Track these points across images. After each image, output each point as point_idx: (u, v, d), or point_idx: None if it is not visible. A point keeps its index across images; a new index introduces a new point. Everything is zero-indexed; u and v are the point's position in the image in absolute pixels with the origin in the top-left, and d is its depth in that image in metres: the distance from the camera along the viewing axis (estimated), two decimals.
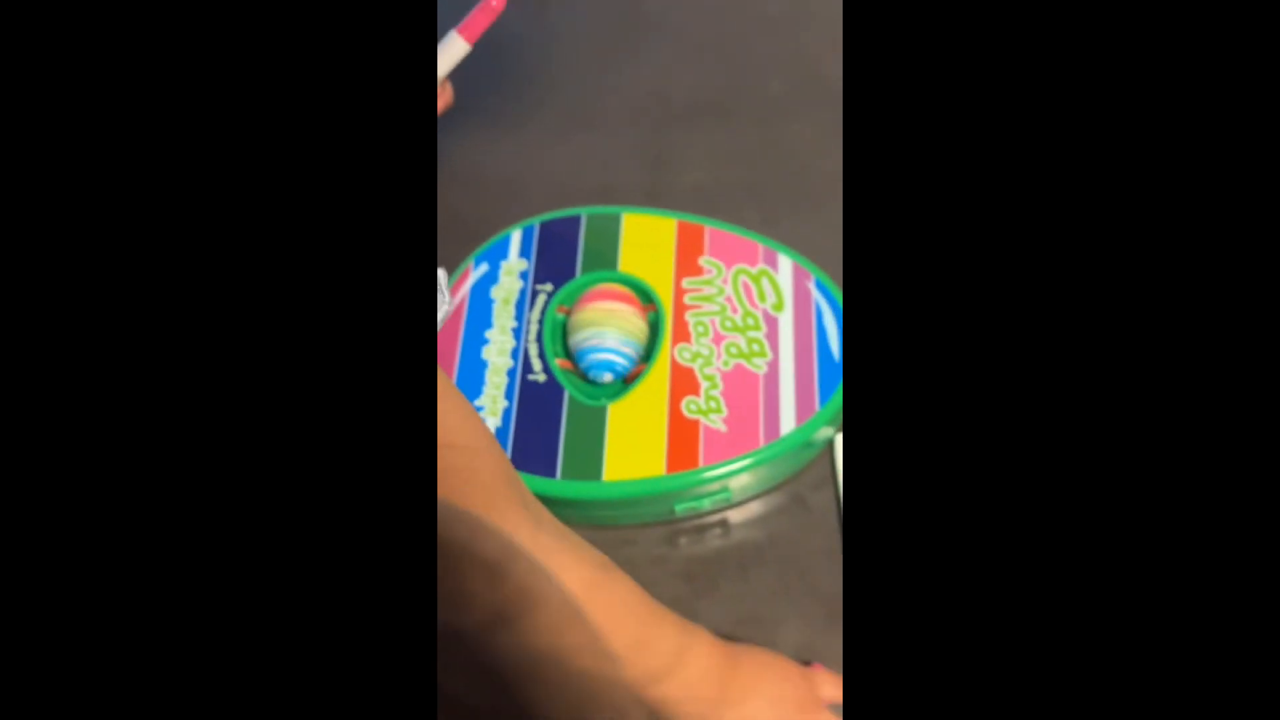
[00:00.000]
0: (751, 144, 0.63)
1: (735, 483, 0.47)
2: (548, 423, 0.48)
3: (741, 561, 0.49)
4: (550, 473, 0.46)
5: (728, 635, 0.47)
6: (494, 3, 0.49)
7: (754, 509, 0.50)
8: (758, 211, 0.58)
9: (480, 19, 0.50)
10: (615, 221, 0.54)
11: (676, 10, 0.73)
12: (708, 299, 0.51)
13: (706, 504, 0.48)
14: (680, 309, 0.50)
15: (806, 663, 0.44)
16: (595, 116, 0.66)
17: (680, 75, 0.68)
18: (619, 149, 0.64)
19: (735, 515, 0.50)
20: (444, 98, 0.53)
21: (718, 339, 0.49)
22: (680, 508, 0.47)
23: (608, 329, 0.49)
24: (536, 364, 0.50)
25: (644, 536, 0.50)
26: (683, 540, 0.50)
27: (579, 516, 0.48)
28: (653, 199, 0.59)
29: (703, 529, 0.50)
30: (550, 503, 0.47)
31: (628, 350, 0.49)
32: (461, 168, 0.63)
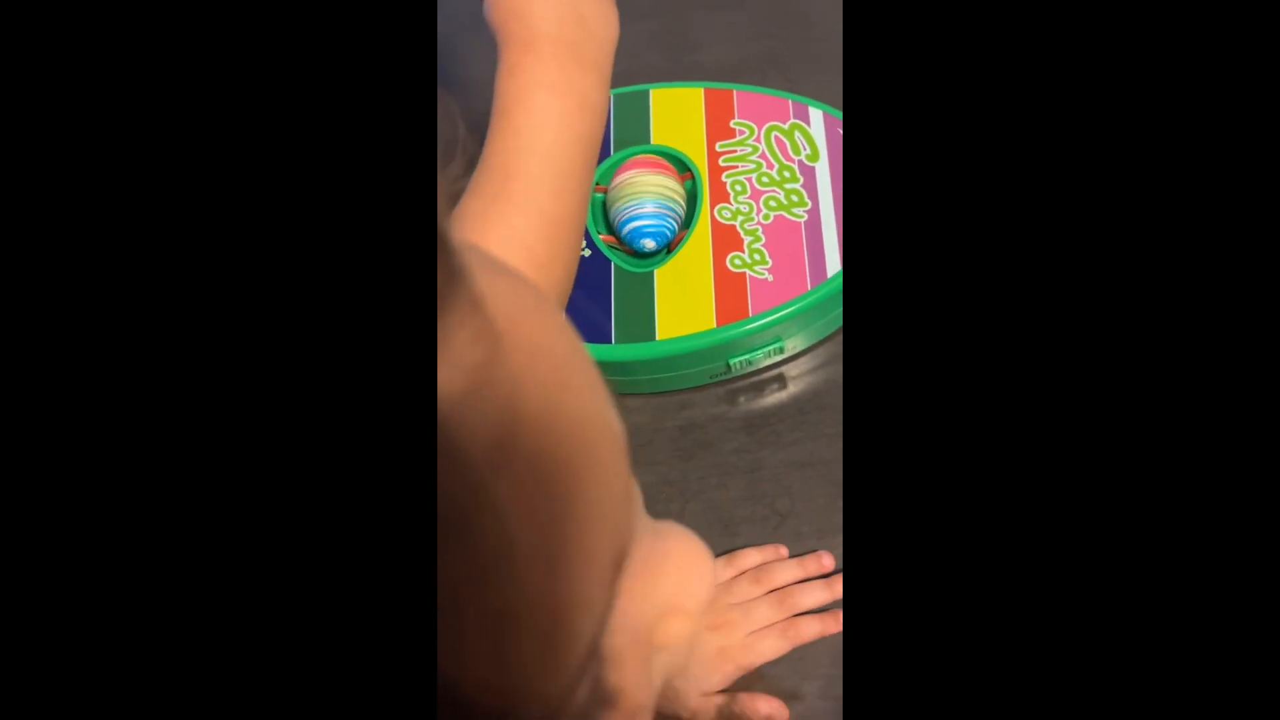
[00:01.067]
0: (770, 18, 0.62)
1: (787, 334, 0.48)
2: (598, 294, 0.49)
3: (801, 409, 0.50)
4: (605, 339, 0.48)
5: (794, 479, 0.48)
6: None
7: (808, 361, 0.51)
8: (783, 77, 0.58)
9: None
10: (643, 98, 0.55)
11: None
12: (742, 158, 0.51)
13: (761, 356, 0.49)
14: (716, 172, 0.51)
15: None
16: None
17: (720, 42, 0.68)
18: (638, 35, 0.64)
19: (791, 369, 0.51)
20: None
21: (756, 195, 0.50)
22: (734, 360, 0.48)
23: (645, 197, 0.49)
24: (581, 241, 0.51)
25: (702, 398, 0.51)
26: (741, 398, 0.51)
27: (639, 382, 0.50)
28: (677, 78, 0.60)
29: (760, 385, 0.51)
30: (608, 368, 0.49)
31: (667, 214, 0.50)
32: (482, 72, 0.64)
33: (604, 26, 0.35)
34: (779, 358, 0.50)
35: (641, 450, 0.50)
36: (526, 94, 0.34)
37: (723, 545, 0.47)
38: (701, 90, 0.54)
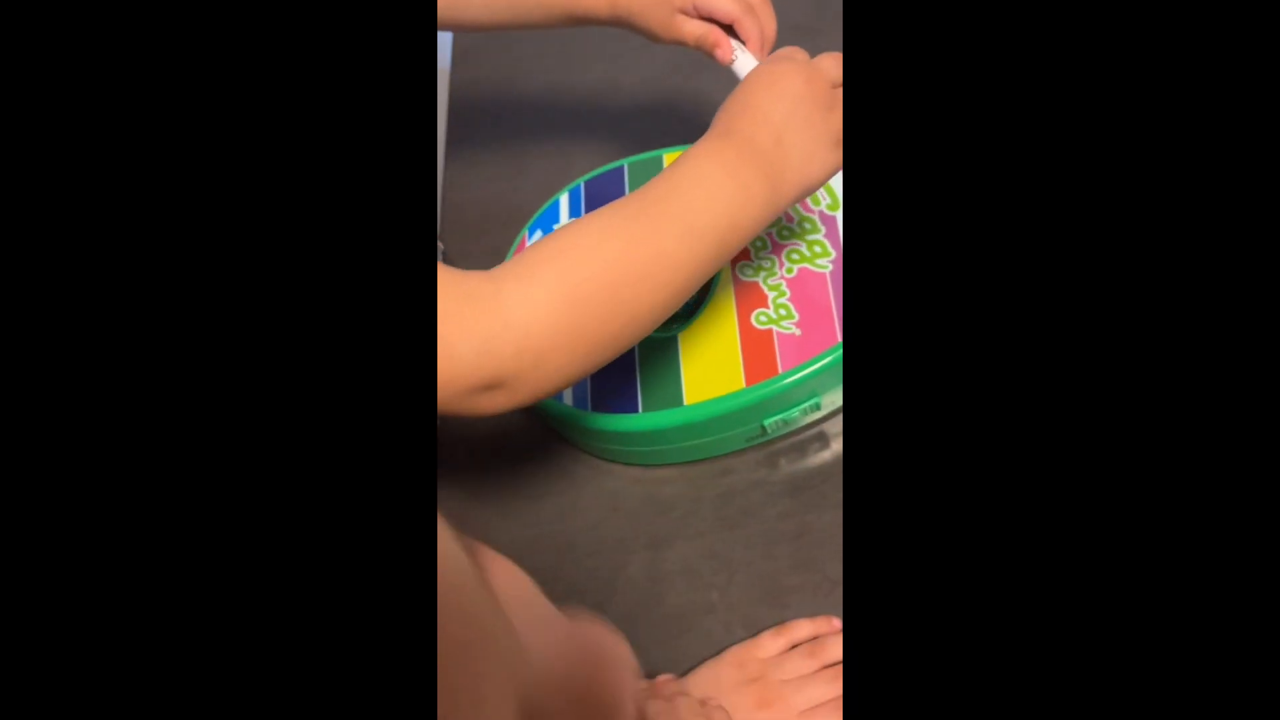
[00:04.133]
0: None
1: (823, 388, 0.46)
2: (622, 363, 0.47)
3: (838, 468, 0.47)
4: (633, 408, 0.46)
5: (841, 542, 0.45)
6: None
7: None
8: None
9: None
10: (656, 164, 0.54)
11: None
12: None
13: (797, 414, 0.46)
14: None
15: None
16: (624, 80, 0.67)
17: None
18: (654, 101, 0.65)
19: (831, 426, 0.48)
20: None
21: (777, 249, 0.48)
22: (769, 422, 0.46)
23: None
24: None
25: (741, 463, 0.48)
26: (782, 460, 0.48)
27: (672, 450, 0.48)
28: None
29: (801, 445, 0.48)
30: (638, 438, 0.47)
31: None
32: (502, 156, 0.65)
33: (800, 161, 0.38)
34: (816, 415, 0.47)
35: (682, 523, 0.48)
36: (697, 157, 0.38)
37: (772, 618, 0.44)
38: None
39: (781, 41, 0.45)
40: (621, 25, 0.48)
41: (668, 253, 0.36)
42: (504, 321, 0.34)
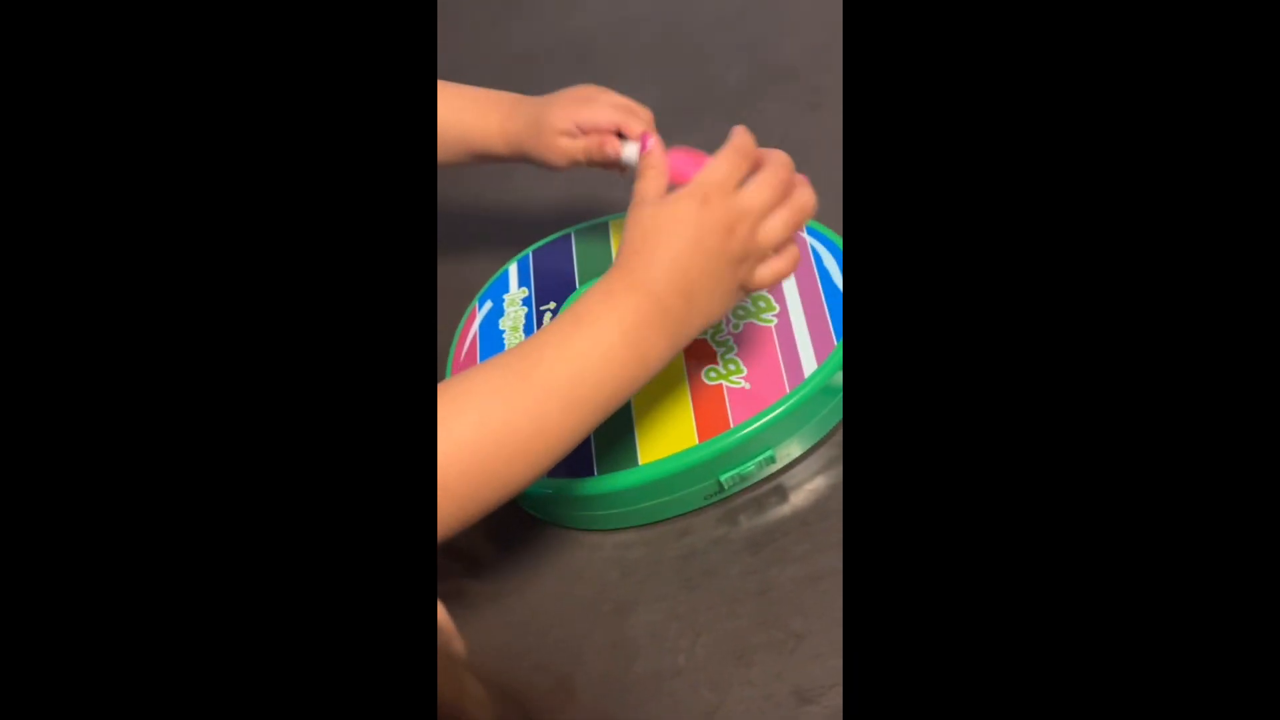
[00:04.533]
0: (723, 133, 0.64)
1: (776, 440, 0.46)
2: None
3: (804, 520, 0.47)
4: (587, 472, 0.46)
5: (807, 595, 0.45)
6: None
7: (805, 469, 0.48)
8: None
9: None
10: (603, 230, 0.55)
11: (621, 35, 0.76)
12: None
13: (752, 468, 0.46)
14: None
15: None
16: None
17: (644, 90, 0.70)
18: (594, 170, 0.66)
19: (788, 479, 0.48)
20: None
21: None
22: (725, 477, 0.46)
23: None
24: None
25: (699, 522, 0.48)
26: (741, 516, 0.48)
27: (631, 513, 0.47)
28: None
29: (759, 500, 0.48)
30: (594, 502, 0.47)
31: None
32: (450, 228, 0.66)
33: (705, 313, 0.38)
34: (773, 468, 0.47)
35: (644, 586, 0.47)
36: (598, 317, 0.37)
37: (739, 677, 0.43)
38: None
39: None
40: (522, 159, 0.51)
41: (548, 427, 0.36)
42: None
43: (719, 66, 0.70)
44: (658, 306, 0.37)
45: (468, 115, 0.51)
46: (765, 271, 0.39)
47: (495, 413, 0.35)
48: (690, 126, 0.65)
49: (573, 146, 0.49)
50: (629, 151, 0.47)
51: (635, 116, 0.48)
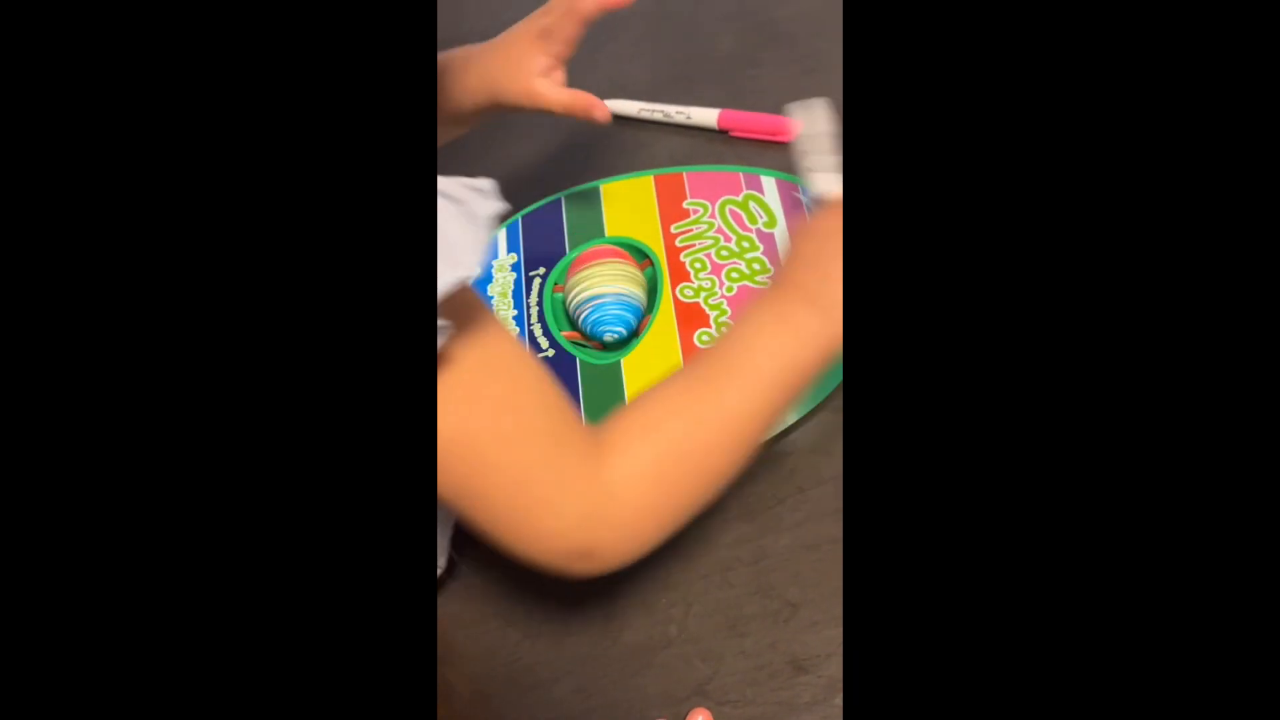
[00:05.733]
0: (717, 101, 0.62)
1: None
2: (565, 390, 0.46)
3: (800, 487, 0.46)
4: None
5: (803, 564, 0.44)
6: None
7: (800, 436, 0.47)
8: (734, 153, 0.57)
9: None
10: (594, 195, 0.54)
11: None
12: (699, 236, 0.49)
13: None
14: (674, 253, 0.49)
15: None
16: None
17: (638, 59, 0.69)
18: (593, 135, 0.65)
19: (783, 445, 0.47)
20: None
21: (716, 269, 0.48)
22: None
23: (603, 287, 0.48)
24: (543, 341, 0.49)
25: None
26: (739, 482, 0.47)
27: None
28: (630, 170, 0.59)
29: (751, 469, 0.47)
30: None
31: (631, 301, 0.48)
32: None
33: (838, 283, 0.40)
34: (768, 435, 0.46)
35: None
36: (753, 310, 0.40)
37: (732, 648, 0.42)
38: (651, 177, 0.53)
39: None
40: (492, 110, 0.49)
41: (742, 411, 0.38)
42: (608, 494, 0.35)
43: (710, 33, 0.69)
44: (797, 287, 0.39)
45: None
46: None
47: (694, 416, 0.37)
48: (684, 93, 0.64)
49: (551, 94, 0.47)
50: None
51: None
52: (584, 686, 0.43)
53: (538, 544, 0.36)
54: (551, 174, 0.62)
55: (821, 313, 0.38)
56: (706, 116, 0.60)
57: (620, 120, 0.65)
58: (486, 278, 0.53)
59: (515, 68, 0.47)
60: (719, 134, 0.61)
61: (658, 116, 0.63)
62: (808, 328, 0.38)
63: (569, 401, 0.36)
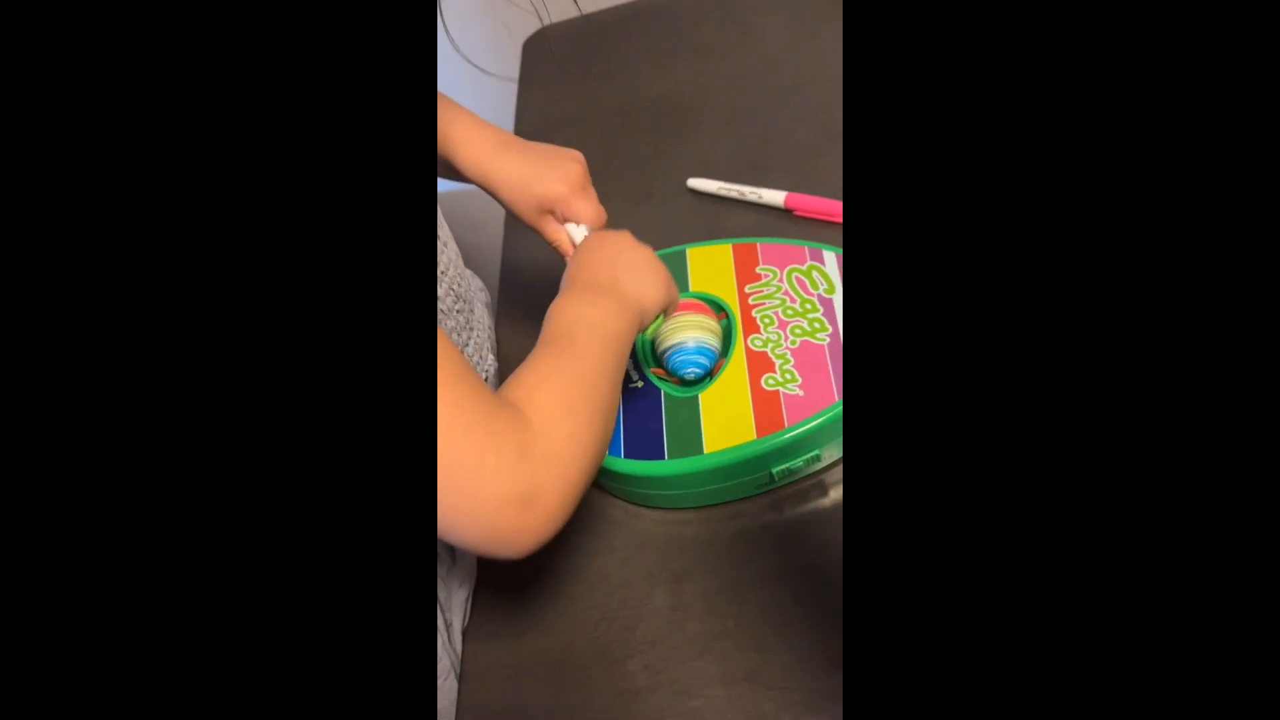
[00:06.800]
0: (787, 185, 0.73)
1: (822, 442, 0.54)
2: (651, 417, 0.55)
3: (838, 512, 0.54)
4: (659, 456, 0.54)
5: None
6: None
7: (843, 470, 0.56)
8: (796, 229, 0.67)
9: None
10: (681, 257, 0.64)
11: (700, 97, 0.85)
12: (768, 296, 0.59)
13: (800, 464, 0.54)
14: (747, 309, 0.59)
15: None
16: (654, 188, 0.78)
17: (719, 143, 0.80)
18: (679, 208, 0.75)
19: (830, 476, 0.56)
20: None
21: (782, 325, 0.57)
22: (776, 470, 0.54)
23: (687, 334, 0.57)
24: (634, 375, 0.58)
25: (749, 508, 0.56)
26: (786, 506, 0.55)
27: (691, 495, 0.55)
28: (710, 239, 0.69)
29: (803, 493, 0.56)
30: (662, 482, 0.54)
31: (708, 347, 0.57)
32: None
33: (635, 289, 0.53)
34: (817, 466, 0.55)
35: (700, 559, 0.54)
36: (560, 305, 0.50)
37: (779, 641, 0.50)
38: (730, 246, 0.63)
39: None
40: (485, 188, 0.60)
41: (596, 362, 0.47)
42: (534, 431, 0.40)
43: (784, 126, 0.79)
44: (590, 285, 0.51)
45: (456, 129, 0.59)
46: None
47: (566, 368, 0.46)
48: (759, 178, 0.74)
49: (549, 227, 0.60)
50: (577, 234, 0.59)
51: (601, 220, 0.59)
52: (651, 665, 0.51)
53: (484, 491, 0.37)
54: (645, 238, 0.72)
55: (617, 301, 0.50)
56: (775, 197, 0.70)
57: (700, 195, 0.76)
58: None
59: (534, 194, 0.59)
60: (784, 212, 0.71)
61: (734, 195, 0.73)
62: (610, 308, 0.49)
63: (479, 378, 0.41)
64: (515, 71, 1.00)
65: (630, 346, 0.50)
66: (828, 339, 0.56)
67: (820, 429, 0.53)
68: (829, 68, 0.81)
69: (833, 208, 0.67)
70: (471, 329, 0.60)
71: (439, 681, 0.52)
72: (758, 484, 0.55)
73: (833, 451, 0.55)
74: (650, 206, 0.76)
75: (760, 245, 0.62)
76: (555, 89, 0.96)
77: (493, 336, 0.67)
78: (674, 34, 0.96)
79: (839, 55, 0.80)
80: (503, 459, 0.38)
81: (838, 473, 0.56)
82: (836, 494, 0.55)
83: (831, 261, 0.60)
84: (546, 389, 0.43)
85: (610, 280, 0.51)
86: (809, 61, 0.84)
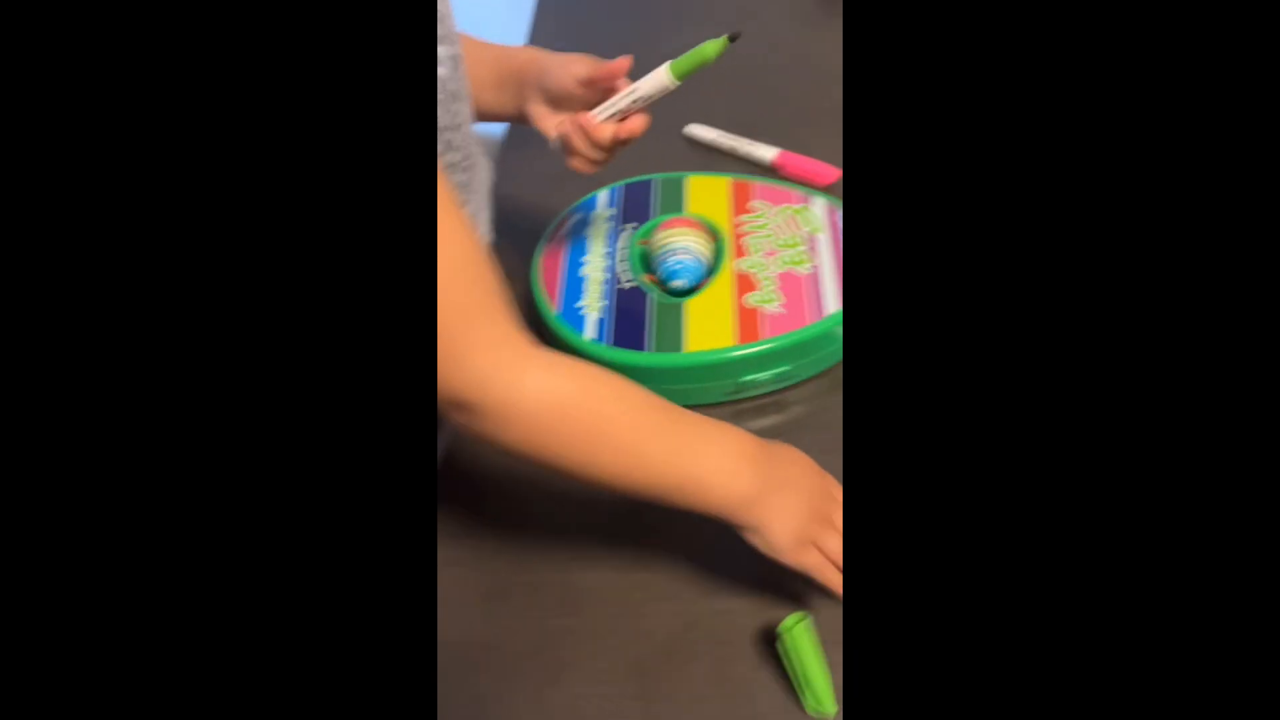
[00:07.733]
0: (785, 145, 0.77)
1: (793, 358, 0.58)
2: (638, 314, 0.59)
3: (802, 427, 0.59)
4: (640, 348, 0.58)
5: None
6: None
7: (807, 390, 0.61)
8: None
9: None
10: (680, 183, 0.68)
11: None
12: (759, 227, 0.64)
13: (767, 377, 0.58)
14: (738, 236, 0.63)
15: None
16: (650, 131, 0.81)
17: (718, 106, 0.84)
18: (673, 156, 0.79)
19: (790, 396, 0.61)
20: (639, 122, 0.56)
21: (769, 254, 0.62)
22: (746, 379, 0.58)
23: (680, 245, 0.61)
24: (625, 276, 0.62)
25: (713, 414, 0.59)
26: (744, 417, 0.60)
27: (663, 390, 0.59)
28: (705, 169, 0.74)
29: (762, 408, 0.60)
30: (641, 374, 0.58)
31: (699, 257, 0.61)
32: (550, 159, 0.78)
33: (774, 514, 0.46)
34: (784, 384, 0.60)
35: None
36: (721, 439, 0.48)
37: (721, 553, 0.54)
38: (728, 179, 0.68)
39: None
40: (518, 114, 0.59)
41: (638, 451, 0.44)
42: (519, 379, 0.40)
43: (781, 90, 0.84)
44: (761, 477, 0.45)
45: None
46: (829, 542, 0.45)
47: (615, 409, 0.44)
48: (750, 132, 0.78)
49: (580, 93, 0.56)
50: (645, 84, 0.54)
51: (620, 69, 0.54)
52: (605, 542, 0.55)
53: (446, 363, 0.38)
54: (645, 167, 0.76)
55: (743, 494, 0.44)
56: (767, 153, 0.75)
57: (695, 145, 0.80)
58: (585, 221, 0.66)
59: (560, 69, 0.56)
60: (771, 171, 0.75)
61: (728, 146, 0.78)
62: (732, 486, 0.44)
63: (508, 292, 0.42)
64: (525, 40, 1.03)
65: (670, 496, 0.45)
66: (809, 269, 0.61)
67: (793, 345, 0.57)
68: (829, 47, 0.87)
69: (820, 169, 0.73)
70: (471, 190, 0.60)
71: None
72: (724, 390, 0.59)
73: (800, 371, 0.59)
74: (643, 146, 0.80)
75: (756, 184, 0.67)
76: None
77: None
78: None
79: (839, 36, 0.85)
80: (474, 356, 0.39)
81: (798, 392, 0.60)
82: (798, 411, 0.60)
83: (819, 206, 0.65)
84: (581, 383, 0.42)
85: (776, 487, 0.45)
86: (811, 39, 0.89)
